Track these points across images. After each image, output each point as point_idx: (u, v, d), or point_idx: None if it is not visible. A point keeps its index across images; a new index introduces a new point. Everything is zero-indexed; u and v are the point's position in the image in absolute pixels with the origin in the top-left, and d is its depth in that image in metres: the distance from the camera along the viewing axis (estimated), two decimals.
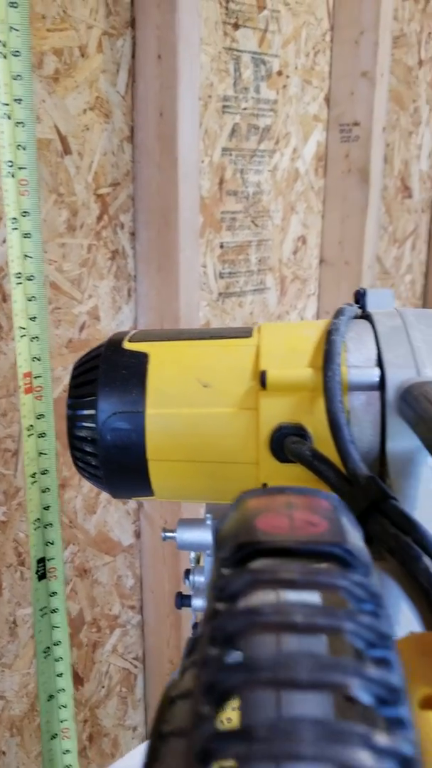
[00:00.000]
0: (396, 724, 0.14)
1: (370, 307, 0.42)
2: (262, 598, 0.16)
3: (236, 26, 1.00)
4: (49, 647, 0.43)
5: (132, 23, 0.85)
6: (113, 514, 1.01)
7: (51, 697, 0.45)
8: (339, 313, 0.39)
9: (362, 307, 0.42)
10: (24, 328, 0.44)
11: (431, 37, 1.35)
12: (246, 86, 1.04)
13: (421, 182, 1.41)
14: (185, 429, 0.37)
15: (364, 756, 0.13)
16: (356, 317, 0.40)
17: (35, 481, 0.45)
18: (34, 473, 0.44)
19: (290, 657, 0.14)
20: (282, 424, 0.36)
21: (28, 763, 0.99)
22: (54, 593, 0.45)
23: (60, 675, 0.44)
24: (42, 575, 0.44)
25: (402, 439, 0.35)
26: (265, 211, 1.11)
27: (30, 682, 0.95)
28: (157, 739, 0.16)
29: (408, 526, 0.30)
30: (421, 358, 0.36)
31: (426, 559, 0.29)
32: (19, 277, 0.43)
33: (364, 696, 0.15)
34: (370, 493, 0.31)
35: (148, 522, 1.04)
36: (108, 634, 1.05)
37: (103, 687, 1.07)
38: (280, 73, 1.08)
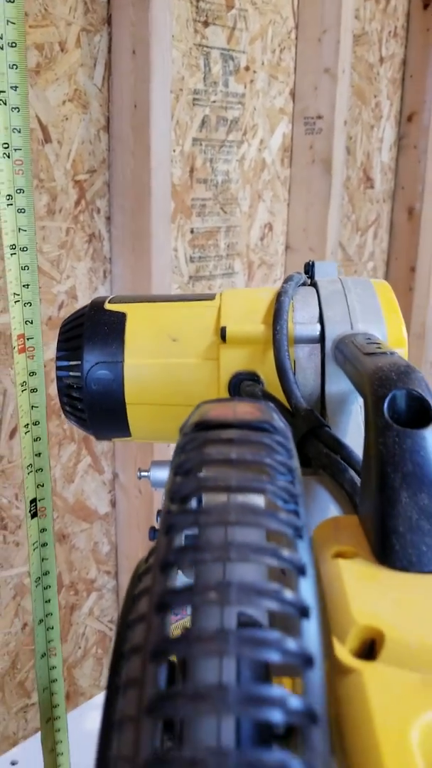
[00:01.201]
0: (301, 571, 0.21)
1: (318, 277, 0.49)
2: (208, 473, 0.23)
3: (206, 24, 1.06)
4: (39, 577, 0.50)
5: (108, 20, 0.91)
6: (90, 484, 1.08)
7: (41, 621, 0.51)
8: (288, 279, 0.46)
9: (311, 276, 0.49)
10: (18, 294, 0.50)
11: (391, 35, 1.42)
12: (215, 80, 1.10)
13: (382, 173, 1.49)
14: (157, 376, 0.44)
15: (273, 560, 0.20)
16: (304, 284, 0.47)
17: (28, 431, 0.51)
18: (27, 424, 0.50)
19: (229, 507, 0.21)
20: (239, 372, 0.43)
21: (9, 718, 1.05)
22: (44, 529, 0.51)
23: (48, 601, 0.50)
24: (34, 514, 0.51)
25: (338, 383, 0.42)
26: (233, 198, 1.18)
27: (11, 641, 1.01)
28: (128, 602, 0.22)
29: (337, 447, 0.37)
30: (355, 315, 0.43)
31: (351, 472, 0.36)
32: (13, 248, 0.49)
33: (279, 527, 0.21)
34: (308, 422, 0.38)
35: (123, 492, 1.11)
36: (85, 598, 1.12)
37: (79, 648, 1.14)
38: (247, 69, 1.15)
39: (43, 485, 0.49)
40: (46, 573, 0.49)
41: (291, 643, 0.18)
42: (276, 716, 0.16)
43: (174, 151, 1.06)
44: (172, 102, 1.03)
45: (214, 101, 1.11)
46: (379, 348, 0.36)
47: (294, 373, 0.42)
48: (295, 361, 0.43)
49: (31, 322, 0.51)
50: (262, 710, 0.16)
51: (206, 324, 0.44)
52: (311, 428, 0.38)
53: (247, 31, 1.13)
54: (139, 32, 0.89)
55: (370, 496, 0.28)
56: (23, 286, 0.50)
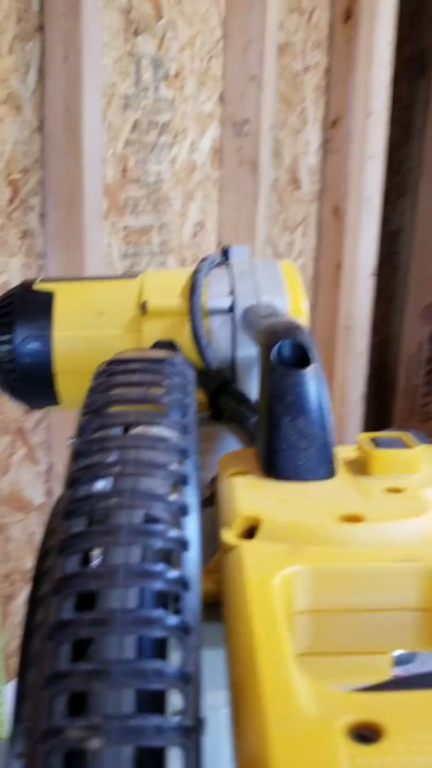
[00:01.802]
0: (183, 481, 0.26)
1: (232, 259, 0.55)
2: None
3: (136, 33, 1.12)
4: None
5: (41, 28, 0.96)
6: (26, 474, 1.11)
7: None
8: (203, 260, 0.51)
9: (227, 258, 0.55)
10: None
11: (315, 46, 1.50)
12: (146, 86, 1.15)
13: (309, 175, 1.57)
14: (84, 347, 0.49)
15: (161, 511, 0.25)
16: (219, 265, 0.53)
17: None
18: None
19: (131, 438, 0.26)
20: (159, 341, 0.48)
21: None
22: None
23: None
24: None
25: (247, 349, 0.48)
26: (165, 198, 1.23)
27: None
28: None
29: (242, 399, 0.43)
30: (261, 289, 0.49)
31: (252, 419, 0.41)
32: None
33: (169, 478, 0.26)
34: (217, 379, 0.44)
35: (59, 482, 1.14)
36: (21, 588, 1.15)
37: (16, 638, 1.17)
38: (177, 75, 1.20)
39: None
40: None
41: (173, 532, 0.23)
42: (158, 585, 0.21)
43: (107, 152, 1.11)
44: (103, 106, 1.08)
45: (145, 105, 1.16)
46: (274, 313, 0.42)
47: (209, 341, 0.48)
48: (209, 331, 0.48)
49: None
50: (148, 581, 0.21)
51: (129, 299, 0.49)
52: (220, 384, 0.44)
53: (176, 40, 1.19)
54: (71, 40, 0.93)
55: (260, 425, 0.34)
56: None
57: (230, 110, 1.28)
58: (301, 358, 0.34)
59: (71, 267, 1.02)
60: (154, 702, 0.19)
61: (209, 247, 1.35)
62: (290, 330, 0.36)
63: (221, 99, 1.29)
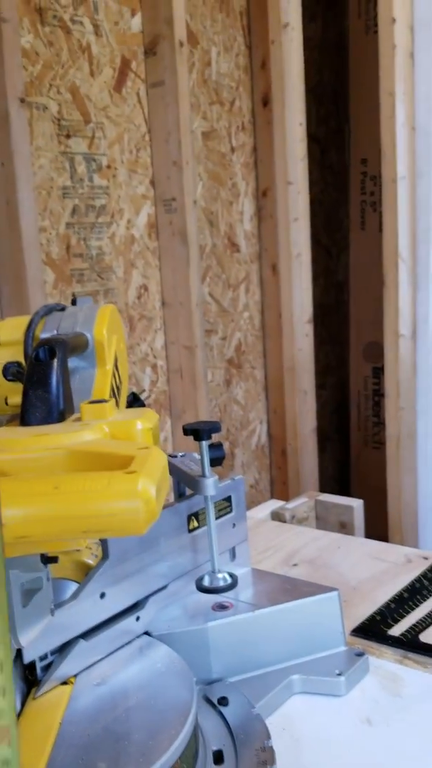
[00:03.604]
0: None
1: (74, 306, 0.75)
2: None
3: (68, 136, 1.37)
4: None
5: None
6: None
7: None
8: (43, 307, 0.72)
9: (73, 304, 0.76)
10: None
11: (240, 129, 1.75)
12: (81, 177, 1.40)
13: (246, 239, 1.79)
14: None
15: None
16: (59, 309, 0.74)
17: None
18: None
19: None
20: (8, 362, 0.69)
21: None
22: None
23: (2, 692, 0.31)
24: None
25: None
26: (108, 267, 1.46)
27: None
28: None
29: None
30: (77, 325, 0.69)
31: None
32: None
33: None
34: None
35: None
36: None
37: None
38: (109, 167, 1.45)
39: None
40: None
41: None
42: None
43: (50, 233, 1.34)
44: (43, 197, 1.32)
45: (82, 193, 1.40)
46: (60, 335, 0.63)
47: None
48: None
49: None
50: None
51: None
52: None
53: (105, 139, 1.44)
54: (3, 150, 1.18)
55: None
56: None
57: (160, 190, 1.52)
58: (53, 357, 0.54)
59: None
60: None
61: (154, 306, 1.57)
62: (49, 341, 0.56)
63: (152, 182, 1.53)
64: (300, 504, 1.31)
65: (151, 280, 1.55)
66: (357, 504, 1.29)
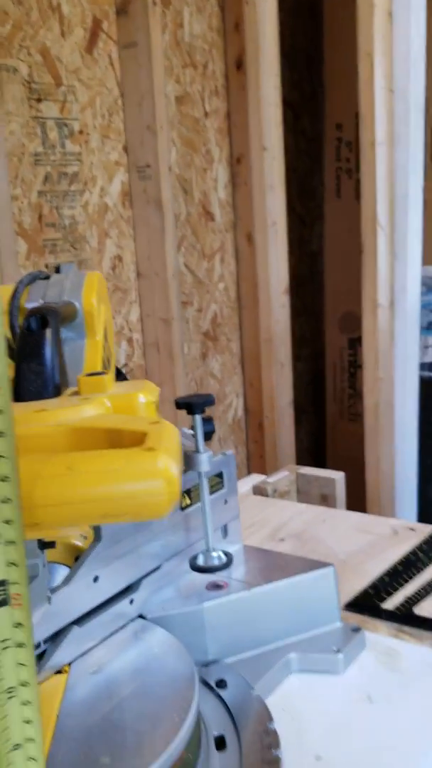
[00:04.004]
0: None
1: (57, 274, 0.72)
2: None
3: (39, 100, 1.31)
4: (13, 687, 0.35)
5: None
6: None
7: (17, 746, 0.36)
8: (27, 275, 0.68)
9: (57, 272, 0.72)
10: None
11: (213, 93, 1.70)
12: (53, 144, 1.34)
13: (221, 208, 1.75)
14: None
15: None
16: (43, 278, 0.70)
17: None
18: None
19: None
20: None
21: None
22: (19, 624, 0.35)
23: (28, 722, 0.36)
24: (3, 601, 0.34)
25: None
26: (82, 237, 1.41)
27: None
28: None
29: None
30: (63, 293, 0.65)
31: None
32: None
33: None
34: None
35: None
36: None
37: None
38: (81, 132, 1.39)
39: (16, 564, 0.33)
40: (24, 684, 0.35)
41: None
42: None
43: (22, 202, 1.29)
44: (14, 164, 1.26)
45: (54, 160, 1.35)
46: (50, 304, 0.59)
47: None
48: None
49: None
50: None
51: None
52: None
53: (77, 103, 1.38)
54: None
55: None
56: None
57: (134, 157, 1.47)
58: (44, 326, 0.51)
59: None
60: None
61: (129, 277, 1.53)
62: (44, 310, 0.52)
63: (125, 148, 1.48)
64: (281, 478, 1.30)
65: (126, 251, 1.51)
66: (338, 476, 1.28)
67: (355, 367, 1.92)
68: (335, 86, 1.89)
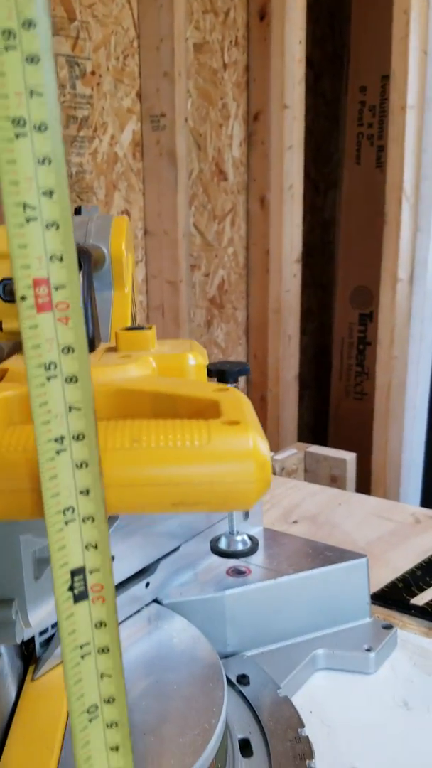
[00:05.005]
0: None
1: (85, 214, 0.64)
2: None
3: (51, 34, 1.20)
4: (96, 706, 0.26)
5: None
6: None
7: None
8: None
9: (78, 213, 0.64)
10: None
11: (233, 44, 1.60)
12: (63, 83, 1.24)
13: (234, 167, 1.66)
14: None
15: None
16: None
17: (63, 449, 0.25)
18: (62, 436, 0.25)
19: None
20: (5, 278, 0.57)
21: None
22: (102, 624, 0.26)
23: (115, 749, 0.27)
24: (82, 594, 0.25)
25: None
26: (89, 187, 1.32)
27: None
28: None
29: None
30: (89, 236, 0.58)
31: None
32: None
33: None
34: None
35: None
36: None
37: None
38: (93, 73, 1.29)
39: (96, 546, 0.25)
40: (109, 700, 0.26)
41: None
42: None
43: None
44: None
45: (64, 101, 1.25)
46: (81, 245, 0.51)
47: None
48: None
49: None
50: None
51: None
52: None
53: (90, 41, 1.28)
54: None
55: None
56: None
57: (147, 104, 1.37)
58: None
59: None
60: None
61: (136, 234, 1.44)
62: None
63: (139, 94, 1.38)
64: (289, 455, 1.24)
65: (134, 206, 1.42)
66: (350, 457, 1.21)
67: (364, 344, 1.85)
68: (361, 46, 1.79)
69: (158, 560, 0.59)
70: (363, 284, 1.81)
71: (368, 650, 0.61)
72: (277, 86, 1.56)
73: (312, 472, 1.24)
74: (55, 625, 0.50)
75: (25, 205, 0.21)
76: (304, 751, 0.50)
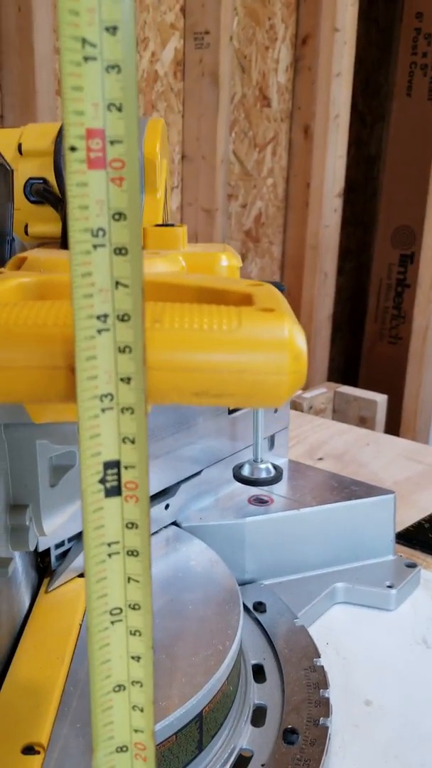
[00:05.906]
0: None
1: None
2: None
3: None
4: (120, 609, 0.24)
5: None
6: None
7: (120, 687, 0.25)
8: None
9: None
10: None
11: None
12: None
13: (279, 94, 1.59)
14: None
15: None
16: None
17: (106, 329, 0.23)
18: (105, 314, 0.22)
19: None
20: (31, 177, 0.54)
21: None
22: (133, 525, 0.24)
23: (137, 659, 0.24)
24: (114, 490, 0.23)
25: None
26: None
27: None
28: None
29: None
30: None
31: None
32: None
33: None
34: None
35: None
36: None
37: None
38: None
39: (133, 441, 0.23)
40: (134, 606, 0.24)
41: None
42: None
43: None
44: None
45: None
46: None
47: None
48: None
49: None
50: None
51: (11, 143, 0.55)
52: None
53: None
54: None
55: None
56: None
57: (191, 21, 1.31)
58: None
59: None
60: None
61: (173, 158, 1.40)
62: None
63: (183, 9, 1.31)
64: (318, 394, 1.21)
65: (172, 129, 1.37)
66: (381, 399, 1.19)
67: (403, 286, 1.79)
68: None
69: (179, 483, 0.58)
70: (406, 223, 1.74)
71: (390, 587, 0.60)
72: (329, 7, 1.48)
73: (341, 413, 1.21)
74: (71, 539, 0.49)
75: (84, 41, 0.18)
76: (318, 680, 0.49)
